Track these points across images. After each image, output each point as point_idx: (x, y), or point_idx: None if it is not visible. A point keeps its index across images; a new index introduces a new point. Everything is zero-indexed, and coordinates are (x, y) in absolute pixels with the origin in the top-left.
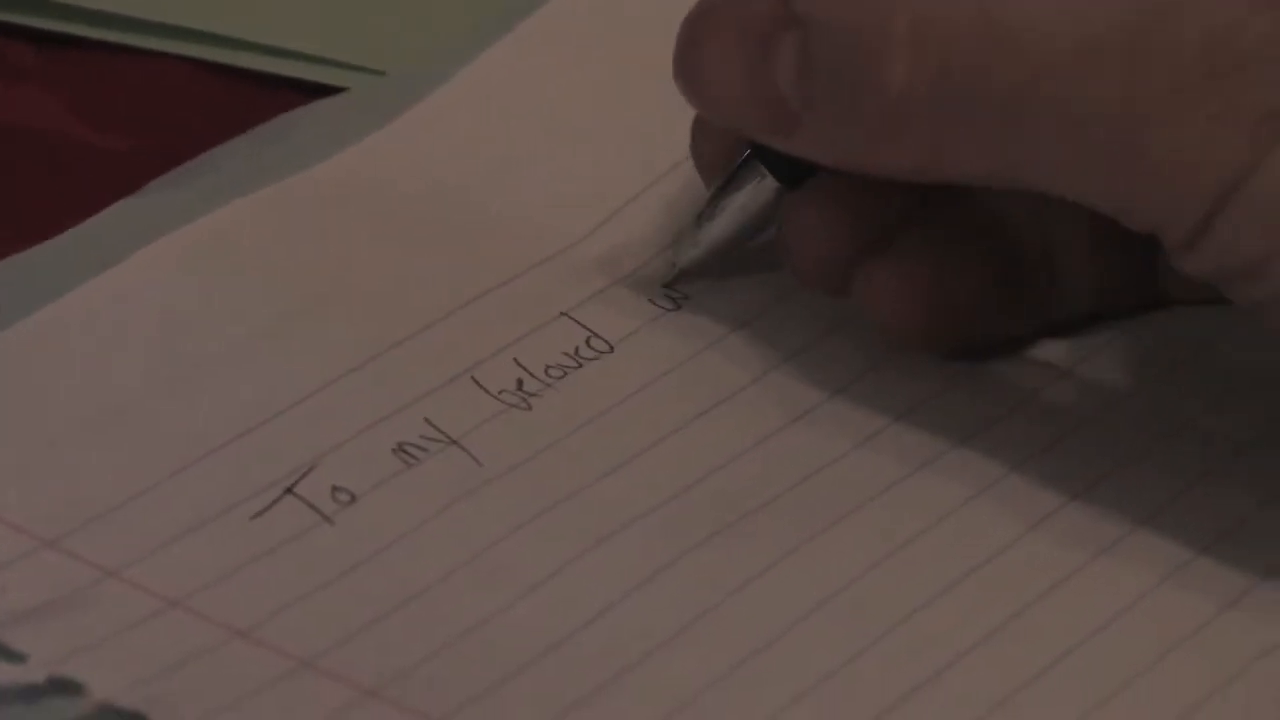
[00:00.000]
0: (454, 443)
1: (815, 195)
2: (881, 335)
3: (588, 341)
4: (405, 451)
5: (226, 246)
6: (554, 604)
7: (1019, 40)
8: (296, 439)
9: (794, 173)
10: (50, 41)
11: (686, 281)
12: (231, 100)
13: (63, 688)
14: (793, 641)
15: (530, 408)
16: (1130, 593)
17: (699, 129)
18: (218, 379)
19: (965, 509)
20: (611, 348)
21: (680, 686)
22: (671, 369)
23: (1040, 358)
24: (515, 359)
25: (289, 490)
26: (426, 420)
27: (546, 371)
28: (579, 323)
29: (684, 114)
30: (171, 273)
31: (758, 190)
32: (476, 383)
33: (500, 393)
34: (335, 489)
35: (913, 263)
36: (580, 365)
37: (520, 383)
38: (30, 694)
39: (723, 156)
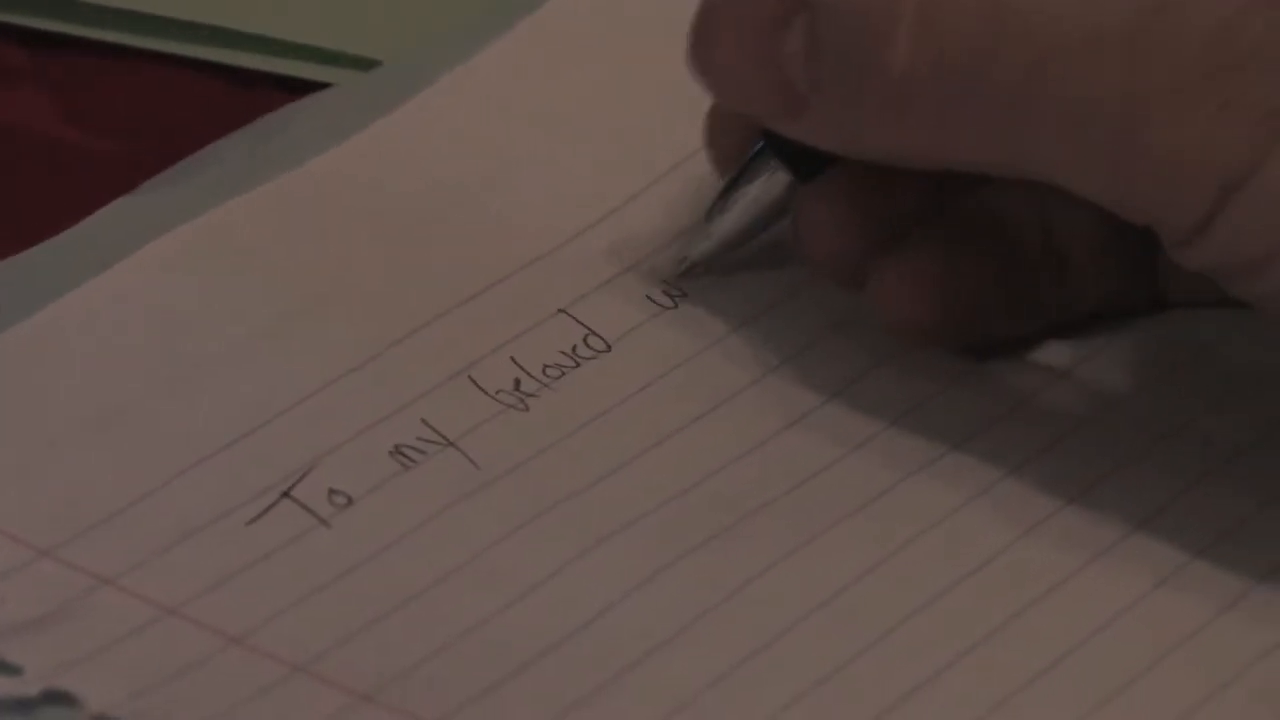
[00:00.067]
0: (451, 444)
1: (827, 191)
2: (890, 331)
3: (585, 340)
4: (402, 454)
5: (223, 246)
6: (551, 606)
7: (1025, 27)
8: (293, 442)
9: (807, 166)
10: (42, 44)
11: (695, 276)
12: (226, 101)
13: (58, 700)
14: (791, 643)
15: (527, 408)
16: (1128, 595)
17: (714, 120)
18: (214, 381)
19: (963, 511)
20: (609, 346)
21: (678, 688)
22: (669, 370)
23: (1039, 358)
24: (512, 358)
25: (285, 494)
26: (423, 421)
27: (544, 371)
28: (577, 320)
29: (683, 113)
30: (168, 274)
31: (770, 183)
32: (474, 382)
33: (497, 393)
34: (332, 492)
35: (923, 260)
36: (578, 365)
37: (518, 383)
38: (25, 707)
39: (736, 149)
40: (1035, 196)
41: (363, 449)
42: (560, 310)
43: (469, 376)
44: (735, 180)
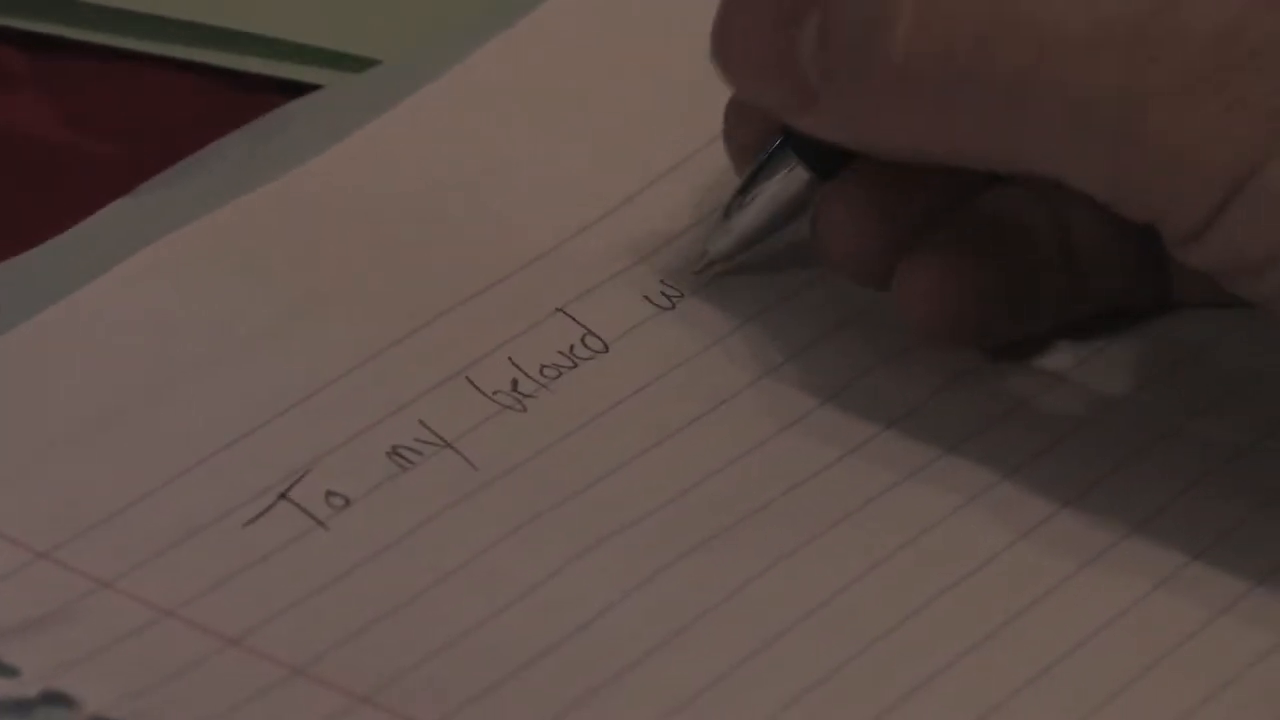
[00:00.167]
0: (448, 445)
1: (845, 190)
2: (913, 330)
3: (583, 340)
4: (400, 455)
5: (221, 248)
6: (549, 607)
7: (1027, 18)
8: (290, 443)
9: (825, 163)
10: (42, 47)
11: (713, 272)
12: (226, 104)
13: (55, 701)
14: (786, 646)
15: (525, 409)
16: (1125, 598)
17: (733, 115)
18: (211, 383)
19: (961, 514)
20: (607, 347)
21: (674, 690)
22: (667, 371)
23: (1038, 359)
24: (510, 358)
25: (283, 496)
26: (421, 423)
27: (541, 371)
28: (574, 320)
29: (682, 113)
30: (167, 275)
31: (789, 179)
32: (471, 383)
33: (495, 393)
34: (329, 494)
35: (947, 260)
36: (575, 365)
37: (515, 383)
38: (23, 708)
39: (755, 144)
40: (1051, 195)
41: (360, 450)
42: (558, 310)
43: (466, 377)
44: (754, 176)
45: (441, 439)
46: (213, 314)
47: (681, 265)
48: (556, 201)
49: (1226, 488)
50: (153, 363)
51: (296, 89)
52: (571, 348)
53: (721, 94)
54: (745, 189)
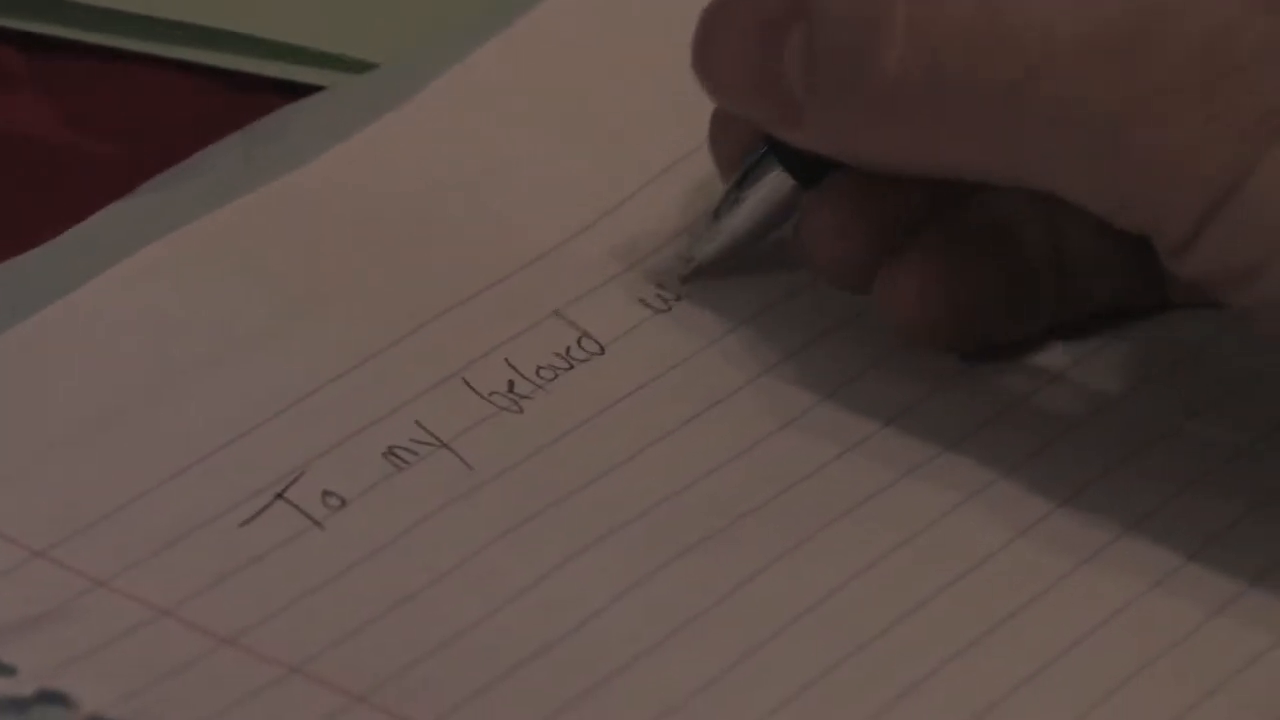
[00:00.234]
0: (444, 446)
1: (830, 197)
2: (898, 334)
3: (579, 342)
4: (396, 455)
5: (219, 249)
6: (544, 608)
7: (1017, 32)
8: (287, 443)
9: (810, 171)
10: (41, 48)
11: (700, 276)
12: (225, 105)
13: (52, 700)
14: (781, 647)
15: (521, 410)
16: (1122, 597)
17: (718, 122)
18: (208, 383)
19: (955, 514)
20: (603, 349)
21: (669, 691)
22: (662, 372)
23: (1036, 359)
24: (506, 359)
25: (279, 495)
26: (417, 423)
27: (538, 373)
28: (570, 322)
29: (679, 114)
30: (164, 276)
31: (775, 185)
32: (467, 384)
33: (491, 394)
34: (325, 494)
35: (930, 264)
36: (571, 367)
37: (511, 384)
38: (19, 707)
39: (740, 150)
40: (1040, 199)
41: (356, 450)
42: (554, 312)
43: (462, 378)
44: (741, 181)
45: (437, 439)
46: (211, 314)
47: (670, 269)
48: (553, 203)
49: (1224, 487)
50: (151, 363)
51: (296, 90)
52: (568, 349)
53: None
54: (732, 194)
